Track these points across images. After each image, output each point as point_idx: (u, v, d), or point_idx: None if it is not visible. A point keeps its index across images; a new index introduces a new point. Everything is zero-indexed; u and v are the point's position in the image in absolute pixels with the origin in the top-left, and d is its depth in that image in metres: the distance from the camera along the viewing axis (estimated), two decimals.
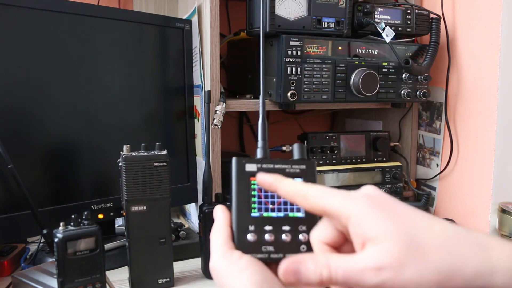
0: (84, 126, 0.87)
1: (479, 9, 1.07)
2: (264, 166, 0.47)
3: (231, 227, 0.46)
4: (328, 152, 1.13)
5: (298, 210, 0.47)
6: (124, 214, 0.77)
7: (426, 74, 1.12)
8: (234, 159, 0.47)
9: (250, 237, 0.45)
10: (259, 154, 0.51)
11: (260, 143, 0.51)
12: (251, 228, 0.45)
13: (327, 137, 1.14)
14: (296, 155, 0.50)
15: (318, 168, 1.10)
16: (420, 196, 1.16)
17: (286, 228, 0.46)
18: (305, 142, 1.13)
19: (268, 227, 0.45)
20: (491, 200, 1.06)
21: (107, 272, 0.73)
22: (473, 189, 1.11)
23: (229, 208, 0.47)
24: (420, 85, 1.13)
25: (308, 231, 0.45)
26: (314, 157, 1.12)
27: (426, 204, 1.14)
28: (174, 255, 0.81)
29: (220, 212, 0.48)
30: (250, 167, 0.47)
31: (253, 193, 0.47)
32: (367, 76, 1.03)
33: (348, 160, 1.15)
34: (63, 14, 0.83)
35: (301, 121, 1.48)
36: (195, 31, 1.02)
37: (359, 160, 1.17)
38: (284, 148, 1.13)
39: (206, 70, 0.98)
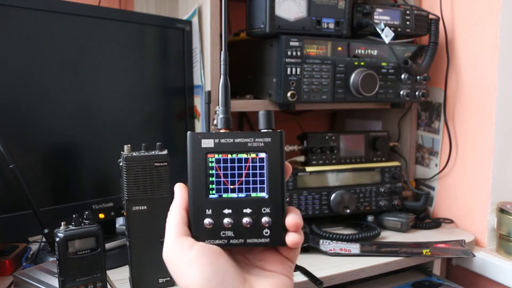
0: (85, 126, 0.88)
1: (478, 10, 1.08)
2: (223, 141, 0.42)
3: (187, 210, 0.41)
4: (328, 152, 1.14)
5: (262, 189, 0.42)
6: (124, 213, 0.77)
7: (425, 75, 1.13)
8: (189, 133, 0.42)
9: (207, 221, 0.40)
10: (219, 124, 0.45)
11: (220, 110, 0.45)
12: (208, 212, 0.41)
13: (327, 137, 1.14)
14: (262, 125, 0.44)
15: (318, 168, 1.10)
16: (419, 195, 1.17)
17: (248, 210, 0.41)
18: (305, 142, 1.13)
19: (227, 210, 0.41)
20: (490, 199, 1.07)
21: (108, 271, 0.73)
22: (472, 189, 1.12)
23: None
24: (419, 85, 1.14)
25: (272, 214, 0.41)
26: (314, 157, 1.12)
27: (425, 203, 1.15)
28: None
29: (177, 192, 0.43)
30: (207, 142, 0.42)
31: (210, 172, 0.41)
32: (367, 77, 1.04)
33: (348, 160, 1.16)
34: (64, 15, 0.84)
35: (301, 121, 1.49)
36: (195, 32, 1.02)
37: (358, 160, 1.17)
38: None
39: (206, 71, 0.98)
